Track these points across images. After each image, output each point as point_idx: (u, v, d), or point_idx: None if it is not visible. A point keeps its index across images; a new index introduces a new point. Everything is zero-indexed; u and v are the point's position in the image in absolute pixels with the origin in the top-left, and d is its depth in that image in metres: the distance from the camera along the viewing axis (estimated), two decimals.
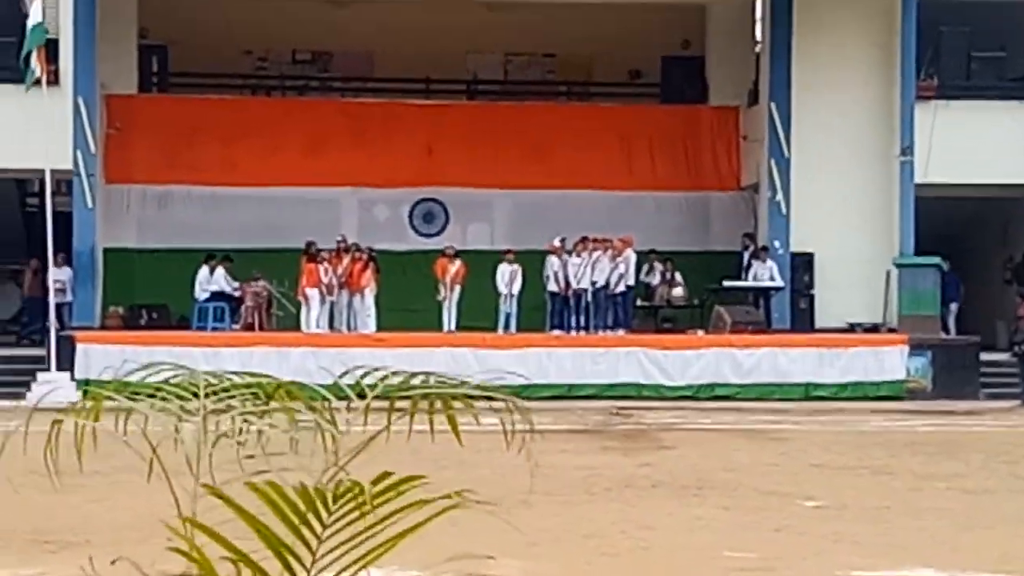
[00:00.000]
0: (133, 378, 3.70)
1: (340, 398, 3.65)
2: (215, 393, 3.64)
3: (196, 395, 3.62)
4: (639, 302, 30.90)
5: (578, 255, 29.84)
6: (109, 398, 3.68)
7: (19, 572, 9.16)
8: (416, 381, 3.64)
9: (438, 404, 3.55)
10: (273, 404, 3.58)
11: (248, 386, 3.67)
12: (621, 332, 29.18)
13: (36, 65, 27.29)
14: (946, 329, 30.94)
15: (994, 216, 35.16)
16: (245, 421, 3.52)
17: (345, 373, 3.63)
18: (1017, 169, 31.68)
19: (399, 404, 3.52)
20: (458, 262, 30.00)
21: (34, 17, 27.43)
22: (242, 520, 3.01)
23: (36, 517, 11.58)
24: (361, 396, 3.58)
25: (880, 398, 27.65)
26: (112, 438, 3.83)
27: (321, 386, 3.76)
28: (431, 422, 3.64)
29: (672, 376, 27.88)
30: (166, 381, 3.67)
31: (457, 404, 3.52)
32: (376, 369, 3.62)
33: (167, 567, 3.50)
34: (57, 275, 29.48)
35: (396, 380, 3.59)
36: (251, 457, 3.58)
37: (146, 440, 3.54)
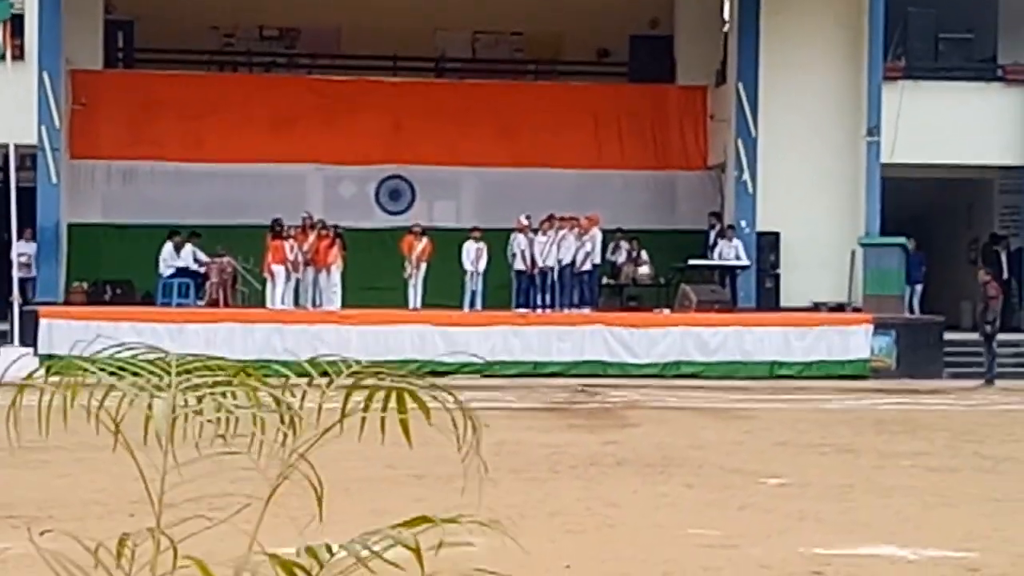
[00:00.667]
0: (103, 355, 3.67)
1: (300, 375, 3.62)
2: (186, 372, 3.62)
3: (165, 372, 3.59)
4: (605, 280, 30.94)
5: (544, 233, 29.83)
6: (75, 372, 3.65)
7: None
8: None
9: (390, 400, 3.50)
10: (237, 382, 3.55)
11: (211, 367, 3.64)
12: (587, 310, 29.21)
13: (0, 40, 27.12)
14: (911, 309, 31.09)
15: (960, 197, 35.31)
16: (215, 398, 3.49)
17: (314, 358, 3.60)
18: (983, 150, 31.81)
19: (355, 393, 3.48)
20: (424, 240, 29.97)
21: None
22: None
23: (1, 492, 11.53)
24: (325, 374, 3.55)
25: (845, 377, 27.75)
26: (74, 414, 3.80)
27: (283, 364, 3.73)
28: (382, 421, 3.61)
29: (638, 354, 27.93)
30: (134, 358, 3.64)
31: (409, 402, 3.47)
32: (339, 361, 3.58)
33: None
34: (22, 249, 29.32)
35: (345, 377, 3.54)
36: (221, 436, 3.56)
37: (109, 416, 3.52)
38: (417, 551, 2.98)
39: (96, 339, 3.87)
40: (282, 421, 3.33)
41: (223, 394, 3.50)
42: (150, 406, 3.34)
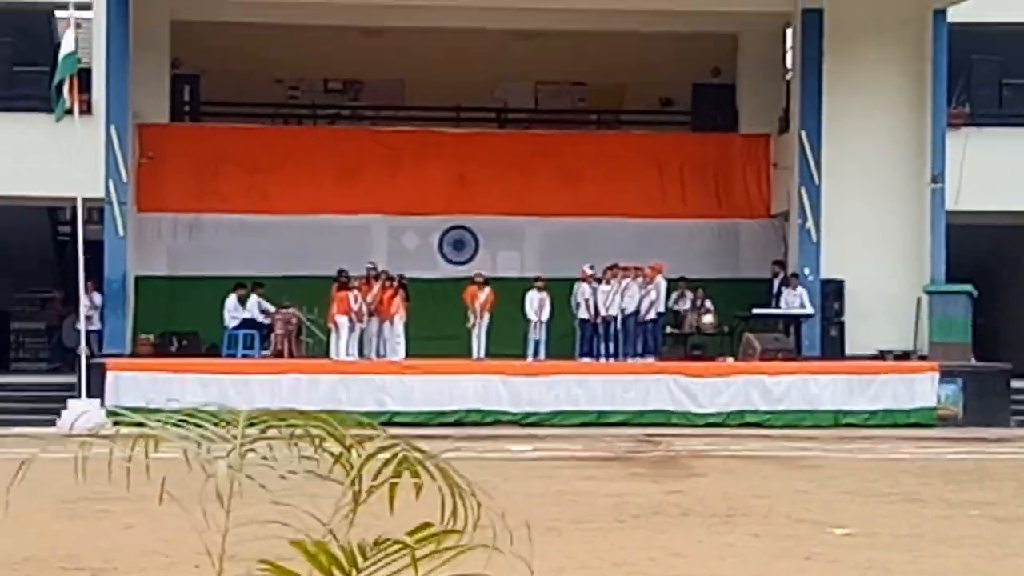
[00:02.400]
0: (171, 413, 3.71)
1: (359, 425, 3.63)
2: (251, 424, 3.65)
3: (231, 424, 3.63)
4: (669, 329, 30.86)
5: (607, 282, 29.85)
6: (139, 424, 3.69)
7: None
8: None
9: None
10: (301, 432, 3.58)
11: (279, 417, 3.67)
12: (651, 359, 29.16)
13: (67, 94, 27.47)
14: None
15: None
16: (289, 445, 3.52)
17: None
18: None
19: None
20: (487, 289, 30.02)
21: (66, 46, 27.63)
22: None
23: (66, 544, 11.61)
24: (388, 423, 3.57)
25: (911, 425, 27.54)
26: (136, 466, 3.84)
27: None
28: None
29: (702, 403, 27.82)
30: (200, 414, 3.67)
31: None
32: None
33: None
34: (87, 302, 29.64)
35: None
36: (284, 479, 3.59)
37: (180, 466, 3.55)
38: None
39: (168, 401, 3.91)
40: (348, 475, 3.35)
41: (292, 444, 3.53)
42: (209, 461, 3.37)
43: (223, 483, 3.34)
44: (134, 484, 3.69)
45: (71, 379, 27.40)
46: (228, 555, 3.62)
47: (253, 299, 30.17)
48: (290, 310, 29.83)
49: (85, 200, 28.23)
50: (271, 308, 29.98)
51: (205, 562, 3.41)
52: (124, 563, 10.58)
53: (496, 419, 27.22)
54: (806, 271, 30.78)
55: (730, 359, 29.43)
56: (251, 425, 3.61)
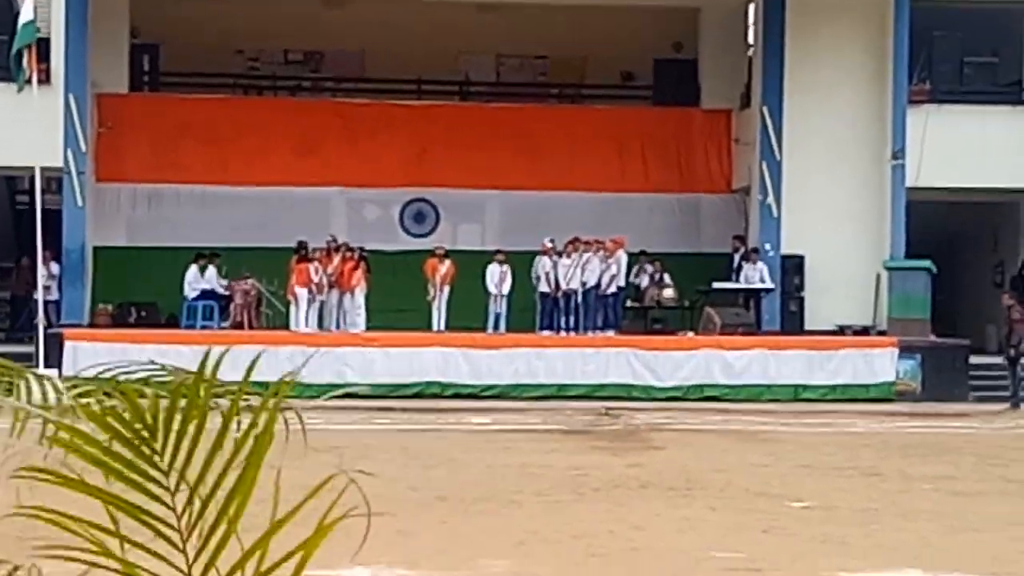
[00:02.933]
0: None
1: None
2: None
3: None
4: (629, 303, 30.90)
5: (568, 256, 29.86)
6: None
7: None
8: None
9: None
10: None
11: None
12: (611, 333, 29.20)
13: (27, 64, 27.25)
14: None
15: (985, 221, 35.21)
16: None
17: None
18: (1008, 174, 31.71)
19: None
20: (448, 262, 30.00)
21: (25, 15, 27.37)
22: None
23: (23, 518, 11.53)
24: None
25: (870, 400, 27.67)
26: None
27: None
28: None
29: (662, 377, 27.88)
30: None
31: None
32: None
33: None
34: (45, 272, 29.47)
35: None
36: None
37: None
38: None
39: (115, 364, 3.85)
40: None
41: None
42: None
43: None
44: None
45: (29, 349, 27.24)
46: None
47: (211, 270, 30.08)
48: (249, 281, 29.73)
49: (43, 170, 28.03)
50: (223, 281, 29.89)
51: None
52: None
53: (456, 392, 27.21)
54: (767, 246, 30.85)
55: (690, 333, 29.49)
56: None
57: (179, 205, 32.67)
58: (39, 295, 27.78)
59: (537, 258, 30.06)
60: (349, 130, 32.89)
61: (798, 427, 22.80)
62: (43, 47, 28.81)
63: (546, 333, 29.41)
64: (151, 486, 2.98)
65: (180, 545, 2.99)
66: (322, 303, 29.41)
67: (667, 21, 34.48)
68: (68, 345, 26.84)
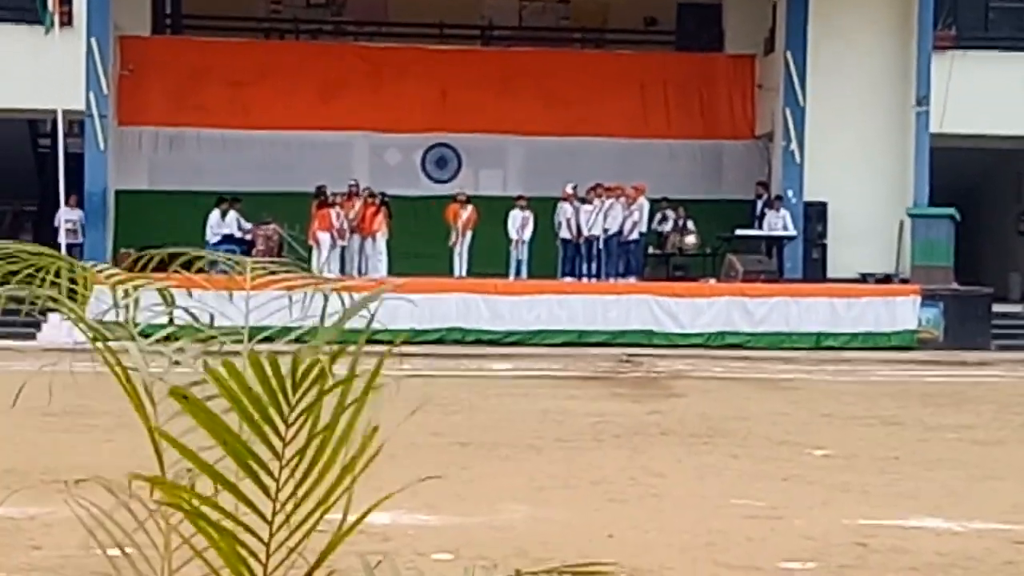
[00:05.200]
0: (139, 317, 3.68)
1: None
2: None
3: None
4: (651, 250, 30.88)
5: (590, 202, 29.81)
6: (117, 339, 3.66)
7: (29, 511, 9.19)
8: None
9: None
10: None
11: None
12: (633, 279, 29.18)
13: (51, 5, 27.24)
14: None
15: (1009, 168, 35.06)
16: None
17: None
18: None
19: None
20: (470, 208, 29.98)
21: None
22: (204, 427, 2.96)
23: (47, 458, 11.61)
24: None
25: (891, 348, 27.62)
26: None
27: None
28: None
29: (683, 324, 27.85)
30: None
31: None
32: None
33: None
34: (68, 215, 29.55)
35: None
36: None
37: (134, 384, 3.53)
38: None
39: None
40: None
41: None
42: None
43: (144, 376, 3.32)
44: (118, 399, 3.66)
45: (51, 292, 27.27)
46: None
47: (232, 214, 30.11)
48: (271, 226, 29.75)
49: (65, 113, 28.07)
50: (247, 225, 29.92)
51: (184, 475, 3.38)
52: (106, 477, 10.57)
53: (477, 338, 27.23)
54: (789, 193, 30.77)
55: (712, 280, 29.45)
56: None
57: (200, 149, 32.67)
58: (61, 238, 27.85)
59: (559, 204, 30.02)
60: (371, 75, 32.82)
61: (819, 375, 22.78)
62: None
63: (568, 279, 29.40)
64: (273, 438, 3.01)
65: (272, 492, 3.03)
66: (344, 248, 29.44)
67: None
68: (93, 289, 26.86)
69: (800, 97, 30.78)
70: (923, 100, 30.59)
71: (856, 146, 30.95)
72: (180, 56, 32.73)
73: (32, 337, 24.32)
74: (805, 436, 14.52)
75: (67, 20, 28.81)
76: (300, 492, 3.01)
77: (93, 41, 29.39)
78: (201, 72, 32.38)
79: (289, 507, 3.00)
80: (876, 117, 31.07)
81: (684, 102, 33.74)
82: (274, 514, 3.01)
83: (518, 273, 29.73)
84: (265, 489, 2.99)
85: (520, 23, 36.42)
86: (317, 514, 3.00)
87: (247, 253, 29.65)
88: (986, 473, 12.29)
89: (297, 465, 3.01)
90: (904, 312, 28.33)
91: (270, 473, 2.98)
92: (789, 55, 30.86)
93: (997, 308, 29.31)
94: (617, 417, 15.82)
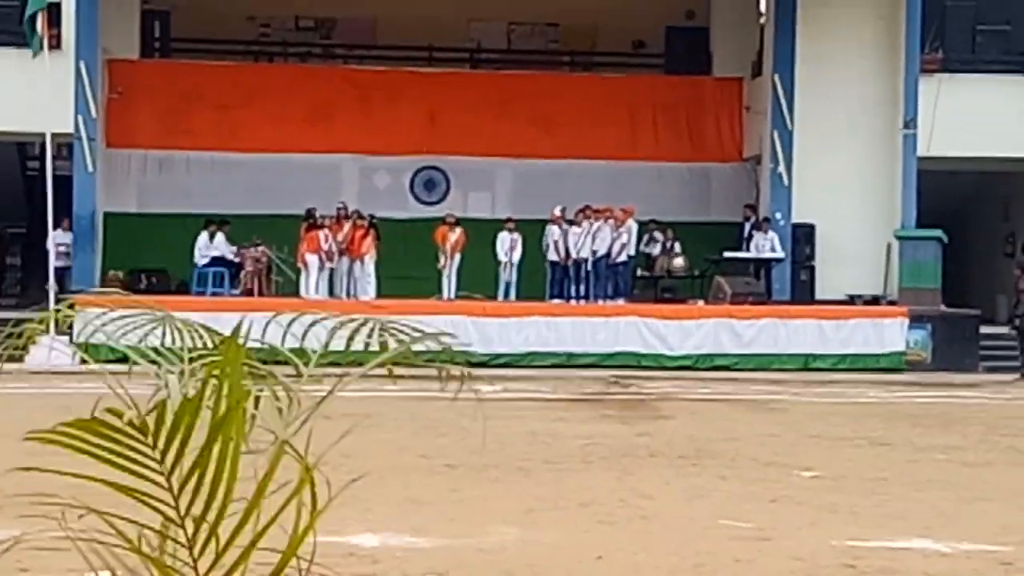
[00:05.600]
0: (118, 328, 3.72)
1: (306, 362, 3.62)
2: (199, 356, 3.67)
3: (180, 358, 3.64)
4: (639, 272, 30.91)
5: (579, 224, 29.84)
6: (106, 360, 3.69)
7: (15, 533, 9.16)
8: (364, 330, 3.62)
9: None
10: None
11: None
12: (621, 301, 29.19)
13: (39, 28, 27.24)
14: None
15: (996, 190, 35.16)
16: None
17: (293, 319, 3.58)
18: (1020, 143, 31.67)
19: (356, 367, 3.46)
20: (458, 230, 30.00)
21: None
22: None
23: (35, 479, 11.58)
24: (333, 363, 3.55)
25: (880, 370, 27.65)
26: (111, 399, 3.83)
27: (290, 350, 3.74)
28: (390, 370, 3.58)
29: (671, 346, 27.88)
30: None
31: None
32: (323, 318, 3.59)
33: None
34: (60, 239, 29.54)
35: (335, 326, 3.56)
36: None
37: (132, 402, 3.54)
38: None
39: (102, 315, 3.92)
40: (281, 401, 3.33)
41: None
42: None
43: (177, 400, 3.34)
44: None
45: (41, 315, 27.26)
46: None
47: (220, 236, 30.12)
48: (260, 248, 29.75)
49: (54, 136, 28.06)
50: (232, 248, 29.92)
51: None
52: (93, 501, 10.56)
53: (466, 360, 27.16)
54: (777, 215, 30.83)
55: (700, 302, 29.48)
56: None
57: (189, 172, 32.68)
58: (51, 261, 27.83)
59: (547, 226, 30.05)
60: (360, 97, 32.87)
61: (808, 397, 22.79)
62: (54, 12, 28.83)
63: (556, 302, 29.41)
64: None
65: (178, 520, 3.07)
66: (332, 270, 29.45)
67: None
68: (79, 312, 26.83)
69: (788, 120, 30.85)
70: (910, 123, 30.67)
71: (844, 168, 31.02)
72: (169, 79, 32.75)
73: (20, 360, 24.25)
74: (793, 457, 14.53)
75: (56, 43, 28.81)
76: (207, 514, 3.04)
77: (82, 64, 29.41)
78: (190, 95, 32.41)
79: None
80: (864, 140, 31.15)
81: (672, 125, 33.81)
82: (194, 535, 3.04)
83: (507, 295, 29.75)
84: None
85: (509, 46, 36.49)
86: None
87: (235, 275, 29.71)
88: (975, 494, 12.30)
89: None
90: (892, 334, 28.37)
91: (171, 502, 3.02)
92: (777, 78, 30.94)
93: (984, 330, 29.36)
94: (606, 439, 15.82)
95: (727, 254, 30.63)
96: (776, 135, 30.94)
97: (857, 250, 30.83)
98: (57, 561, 6.55)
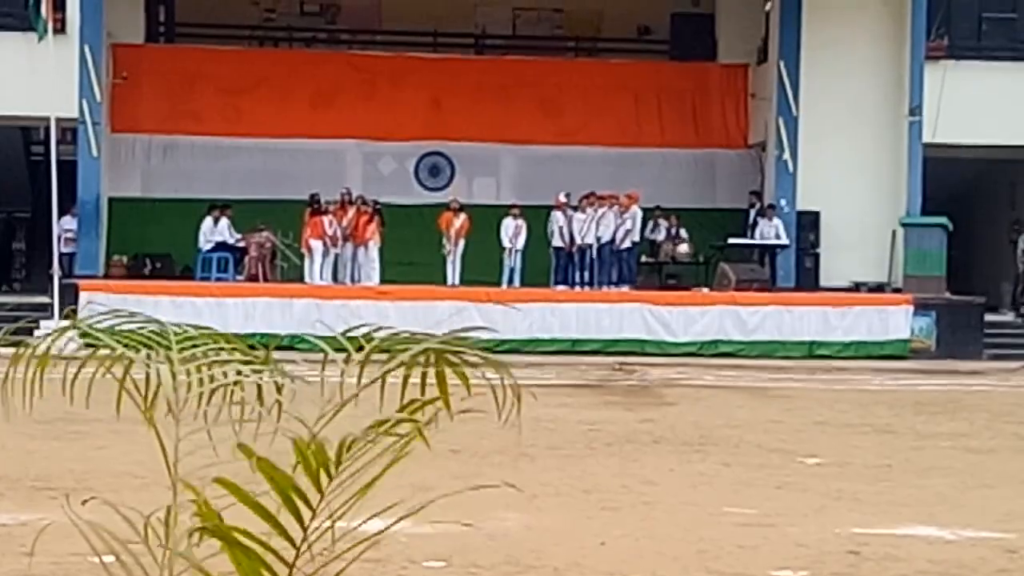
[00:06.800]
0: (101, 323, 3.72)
1: (337, 351, 3.63)
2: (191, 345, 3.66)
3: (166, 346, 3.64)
4: (644, 258, 30.89)
5: (583, 211, 29.81)
6: (105, 346, 3.68)
7: (20, 517, 9.17)
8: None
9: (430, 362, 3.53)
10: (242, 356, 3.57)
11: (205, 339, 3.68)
12: (625, 288, 29.18)
13: (44, 12, 27.20)
14: None
15: (1001, 177, 35.10)
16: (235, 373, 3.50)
17: (349, 329, 3.62)
18: None
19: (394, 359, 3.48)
20: (463, 216, 29.97)
21: None
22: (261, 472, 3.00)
23: (39, 464, 11.59)
24: (360, 349, 3.55)
25: (884, 357, 27.64)
26: (106, 386, 3.82)
27: (320, 338, 3.75)
28: (423, 378, 3.61)
29: (676, 332, 27.87)
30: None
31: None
32: (379, 328, 3.60)
33: (160, 513, 3.50)
34: (68, 225, 29.53)
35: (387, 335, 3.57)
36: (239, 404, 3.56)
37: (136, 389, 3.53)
38: None
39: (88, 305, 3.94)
40: (278, 391, 3.36)
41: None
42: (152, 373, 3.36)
43: (169, 391, 3.34)
44: (107, 405, 3.66)
45: (45, 299, 27.30)
46: (198, 476, 3.61)
47: (224, 222, 30.10)
48: (264, 233, 29.74)
49: (59, 120, 28.04)
50: (236, 234, 29.91)
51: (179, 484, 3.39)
52: (96, 483, 10.56)
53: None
54: (782, 202, 30.79)
55: (705, 289, 29.46)
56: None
57: (194, 156, 32.65)
58: (55, 246, 27.84)
59: (552, 213, 30.02)
60: (364, 83, 32.82)
61: (812, 384, 22.78)
62: None
63: (560, 288, 29.40)
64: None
65: None
66: (336, 256, 29.43)
67: None
68: (83, 296, 26.86)
69: (793, 106, 30.81)
70: (915, 110, 30.62)
71: (849, 155, 30.98)
72: (173, 64, 32.72)
73: (25, 344, 24.24)
74: (798, 444, 14.52)
75: (60, 28, 28.78)
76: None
77: (86, 49, 29.38)
78: (194, 80, 32.38)
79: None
80: (869, 127, 31.10)
81: (677, 111, 33.75)
82: (303, 541, 3.08)
83: (511, 281, 29.73)
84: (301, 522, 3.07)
85: (514, 32, 36.41)
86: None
87: (240, 261, 29.70)
88: (979, 481, 12.29)
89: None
90: (897, 321, 28.35)
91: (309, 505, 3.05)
92: (782, 65, 30.89)
93: (989, 317, 29.35)
94: (609, 425, 15.81)
95: (732, 241, 30.61)
96: (781, 122, 30.90)
97: (862, 237, 30.80)
98: (61, 545, 6.55)
